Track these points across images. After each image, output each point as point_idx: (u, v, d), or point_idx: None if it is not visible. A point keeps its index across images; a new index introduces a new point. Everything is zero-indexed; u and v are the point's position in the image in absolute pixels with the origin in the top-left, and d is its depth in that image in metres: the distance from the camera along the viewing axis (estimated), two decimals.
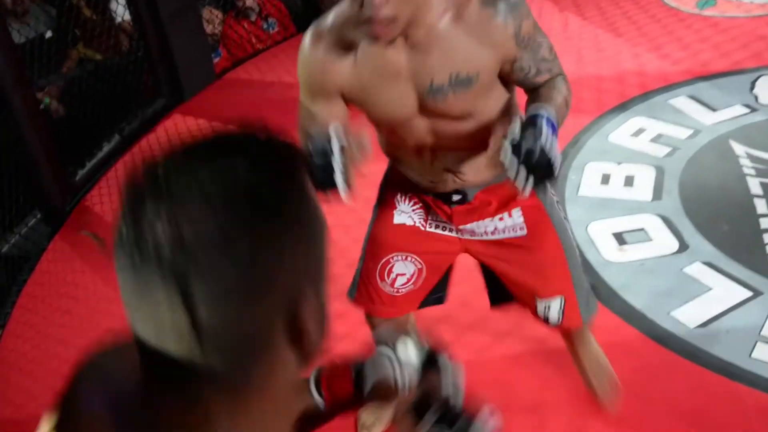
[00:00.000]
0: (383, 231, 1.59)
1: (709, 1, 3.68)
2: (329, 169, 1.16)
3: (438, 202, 1.47)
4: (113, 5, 3.54)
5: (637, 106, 2.99)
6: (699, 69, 3.23)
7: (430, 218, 1.51)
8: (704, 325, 2.07)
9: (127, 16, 3.50)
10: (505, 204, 1.43)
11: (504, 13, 1.21)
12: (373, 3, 1.09)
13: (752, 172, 2.51)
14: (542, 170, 1.11)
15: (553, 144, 1.11)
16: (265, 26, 4.02)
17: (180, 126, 3.41)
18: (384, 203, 1.58)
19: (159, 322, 0.45)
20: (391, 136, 1.40)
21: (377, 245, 1.58)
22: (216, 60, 3.90)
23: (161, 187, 0.45)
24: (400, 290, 1.57)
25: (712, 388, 1.89)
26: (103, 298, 2.50)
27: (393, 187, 1.56)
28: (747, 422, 1.79)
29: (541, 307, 1.49)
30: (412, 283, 1.57)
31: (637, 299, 2.16)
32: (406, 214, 1.54)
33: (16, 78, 2.74)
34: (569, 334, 1.64)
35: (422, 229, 1.52)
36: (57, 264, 2.82)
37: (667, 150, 2.72)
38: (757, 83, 2.99)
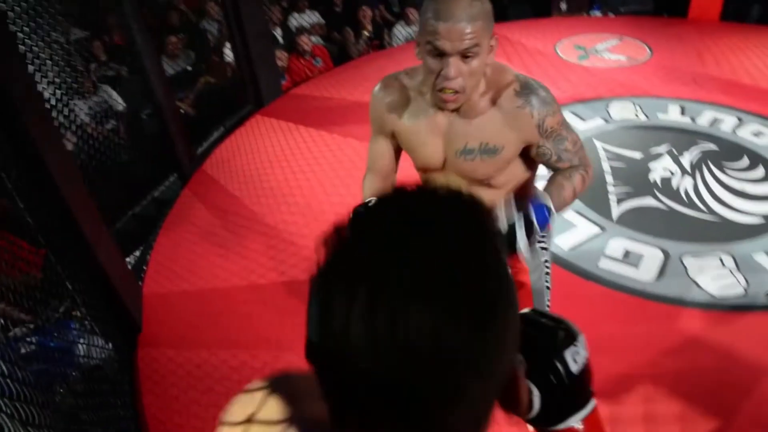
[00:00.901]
0: None
1: (584, 56, 4.99)
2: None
3: None
4: (226, 50, 4.83)
5: None
6: (577, 96, 4.27)
7: None
8: (573, 248, 2.84)
9: (232, 57, 4.66)
10: None
11: (532, 105, 1.30)
12: (447, 76, 1.20)
13: (605, 157, 3.55)
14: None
15: (521, 232, 1.22)
16: (314, 62, 5.19)
17: (260, 122, 4.36)
18: None
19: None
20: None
21: None
22: (283, 83, 4.92)
23: (373, 276, 0.39)
24: None
25: (575, 285, 2.60)
26: (211, 224, 3.28)
27: None
28: (592, 304, 2.50)
29: None
30: None
31: None
32: None
33: (165, 94, 3.70)
34: None
35: None
36: (185, 205, 3.55)
37: None
38: (610, 105, 4.14)
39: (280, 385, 0.58)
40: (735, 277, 2.64)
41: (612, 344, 2.33)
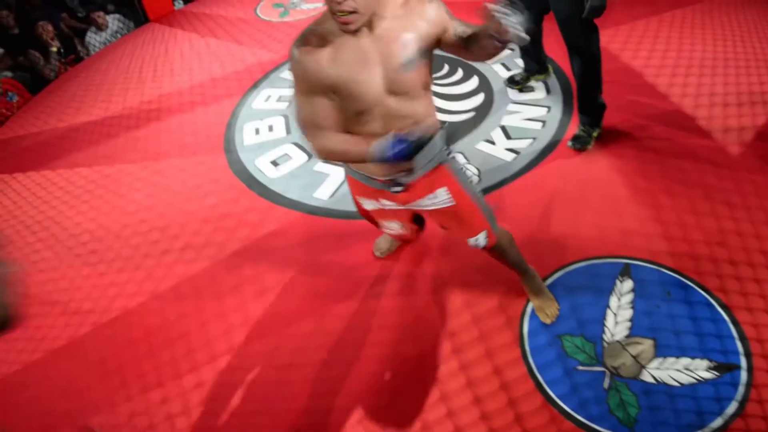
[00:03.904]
0: (364, 212, 2.06)
1: (285, 13, 5.13)
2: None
3: (384, 192, 1.77)
4: None
5: (262, 83, 4.04)
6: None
7: (381, 201, 1.83)
8: (331, 196, 3.00)
9: None
10: (430, 187, 1.73)
11: (435, 2, 1.49)
12: (340, 6, 1.32)
13: None
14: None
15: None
16: (8, 99, 4.59)
17: None
18: (354, 200, 2.01)
19: None
20: (354, 130, 1.54)
21: (369, 216, 2.09)
22: None
23: None
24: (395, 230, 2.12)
25: (337, 229, 2.83)
26: None
27: (354, 191, 1.96)
28: (354, 241, 2.70)
29: (472, 241, 1.90)
30: (400, 228, 2.12)
31: (294, 194, 3.01)
32: (368, 203, 1.92)
33: None
34: (492, 249, 1.98)
35: (382, 208, 1.89)
36: None
37: (287, 104, 3.73)
38: None
39: None
40: (469, 168, 3.02)
41: (390, 261, 2.57)
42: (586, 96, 2.93)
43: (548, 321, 2.23)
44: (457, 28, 1.50)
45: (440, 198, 1.75)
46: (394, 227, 2.12)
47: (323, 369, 2.24)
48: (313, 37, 1.43)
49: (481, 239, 1.90)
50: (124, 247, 2.99)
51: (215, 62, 4.45)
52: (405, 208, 1.84)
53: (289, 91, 3.88)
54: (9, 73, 4.93)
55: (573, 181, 2.82)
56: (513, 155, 3.05)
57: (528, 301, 2.30)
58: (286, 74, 4.10)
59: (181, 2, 5.88)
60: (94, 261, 2.97)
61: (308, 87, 1.46)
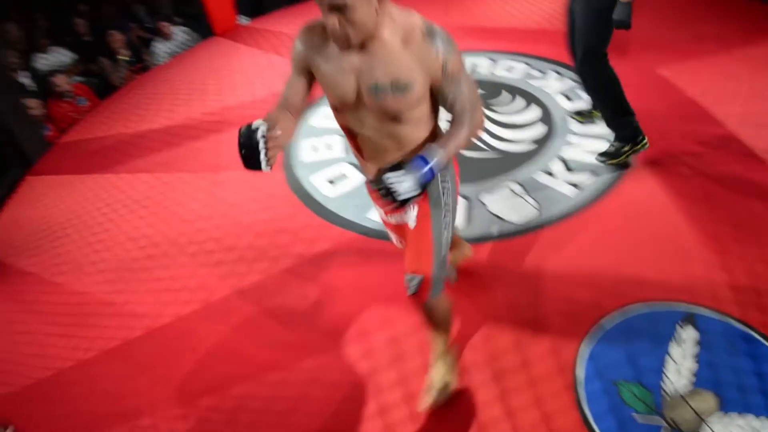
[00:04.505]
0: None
1: None
2: (254, 150, 1.39)
3: (378, 198, 1.81)
4: None
5: (322, 101, 3.88)
6: None
7: (378, 207, 1.90)
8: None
9: None
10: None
11: (438, 46, 1.48)
12: (328, 26, 1.41)
13: None
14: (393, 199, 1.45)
15: (409, 187, 1.44)
16: (78, 103, 4.78)
17: (33, 183, 3.96)
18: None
19: None
20: (342, 123, 1.68)
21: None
22: (47, 133, 4.48)
23: None
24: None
25: (393, 251, 2.76)
26: (11, 312, 3.24)
27: (371, 196, 1.94)
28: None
29: (408, 277, 1.73)
30: (398, 243, 2.05)
31: (348, 213, 3.03)
32: (376, 210, 1.98)
33: None
34: (421, 305, 1.84)
35: (382, 216, 1.94)
36: None
37: None
38: None
39: None
40: (526, 200, 2.97)
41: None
42: (604, 114, 3.00)
43: (429, 400, 2.08)
44: (444, 94, 1.56)
45: (409, 215, 1.77)
46: (395, 242, 2.08)
47: (378, 394, 2.21)
48: (317, 25, 1.56)
49: (414, 282, 1.74)
50: (180, 255, 3.05)
51: (276, 78, 4.50)
52: (386, 219, 1.90)
53: None
54: (80, 78, 5.14)
55: (635, 220, 2.75)
56: (573, 189, 2.99)
57: (582, 343, 2.23)
58: None
59: (246, 18, 6.03)
60: (150, 266, 3.03)
61: (294, 64, 1.62)
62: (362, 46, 1.49)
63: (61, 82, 4.75)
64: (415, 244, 1.75)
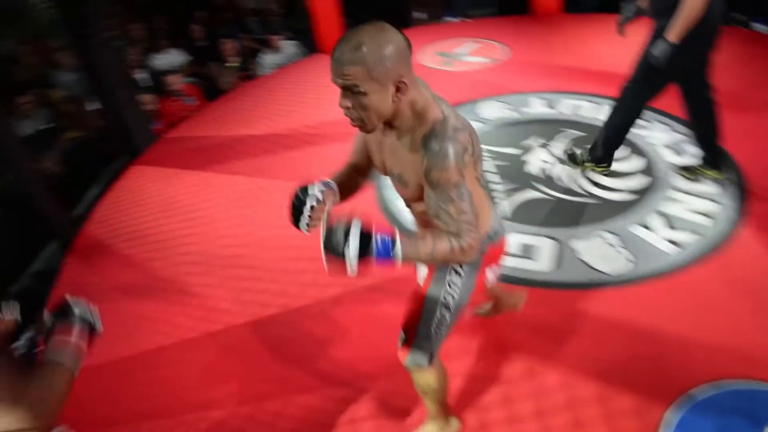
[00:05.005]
0: None
1: (448, 62, 5.26)
2: (300, 212, 1.47)
3: None
4: (88, 101, 4.61)
5: None
6: (448, 101, 4.53)
7: None
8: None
9: (95, 107, 4.44)
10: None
11: (426, 152, 1.36)
12: (341, 107, 1.36)
13: (488, 157, 3.71)
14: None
15: (353, 258, 1.32)
16: (186, 102, 5.02)
17: (139, 172, 4.19)
18: None
19: None
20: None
21: None
22: (155, 127, 4.75)
23: None
24: None
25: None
26: (104, 289, 3.43)
27: None
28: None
29: (401, 331, 1.74)
30: None
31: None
32: None
33: (23, 158, 3.45)
34: (406, 365, 1.78)
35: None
36: (72, 274, 3.30)
37: None
38: (481, 107, 4.35)
39: None
40: (621, 252, 2.86)
41: (524, 336, 2.47)
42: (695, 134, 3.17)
43: None
44: (427, 202, 1.43)
45: (420, 273, 1.81)
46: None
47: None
48: None
49: (400, 337, 1.75)
50: (266, 259, 3.12)
51: None
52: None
53: None
54: (191, 80, 5.41)
55: (738, 287, 2.59)
56: (673, 246, 2.86)
57: (669, 408, 2.10)
58: None
59: None
60: (237, 264, 3.12)
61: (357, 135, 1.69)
62: (389, 126, 1.45)
63: (174, 81, 5.02)
64: (410, 302, 1.74)
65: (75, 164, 4.21)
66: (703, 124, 3.11)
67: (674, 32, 2.67)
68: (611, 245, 2.91)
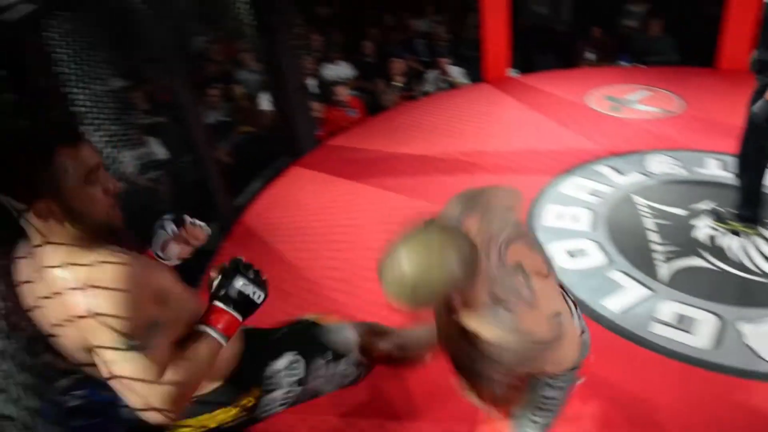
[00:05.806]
0: None
1: (616, 108, 5.03)
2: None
3: None
4: (262, 99, 5.03)
5: (577, 170, 4.03)
6: (613, 149, 4.25)
7: None
8: (623, 311, 2.78)
9: (267, 106, 4.88)
10: None
11: None
12: None
13: (647, 214, 3.51)
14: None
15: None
16: (349, 113, 5.27)
17: (297, 173, 4.45)
18: None
19: None
20: None
21: None
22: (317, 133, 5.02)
23: None
24: None
25: (626, 349, 2.56)
26: None
27: None
28: (646, 370, 2.46)
29: None
30: None
31: (581, 292, 2.88)
32: None
33: (205, 145, 3.74)
34: None
35: None
36: (226, 257, 3.78)
37: (597, 199, 3.69)
38: (648, 159, 4.13)
39: None
40: None
41: (669, 417, 2.27)
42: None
43: None
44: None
45: None
46: None
47: None
48: None
49: None
50: None
51: (535, 136, 4.52)
52: None
53: (602, 187, 3.79)
54: (356, 93, 5.64)
55: None
56: None
57: None
58: (603, 168, 4.08)
59: (517, 72, 6.15)
60: (376, 278, 3.16)
61: None
62: None
63: (341, 92, 5.26)
64: None
65: (242, 157, 4.52)
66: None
67: None
68: None
